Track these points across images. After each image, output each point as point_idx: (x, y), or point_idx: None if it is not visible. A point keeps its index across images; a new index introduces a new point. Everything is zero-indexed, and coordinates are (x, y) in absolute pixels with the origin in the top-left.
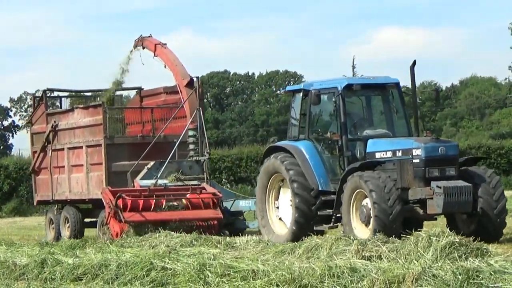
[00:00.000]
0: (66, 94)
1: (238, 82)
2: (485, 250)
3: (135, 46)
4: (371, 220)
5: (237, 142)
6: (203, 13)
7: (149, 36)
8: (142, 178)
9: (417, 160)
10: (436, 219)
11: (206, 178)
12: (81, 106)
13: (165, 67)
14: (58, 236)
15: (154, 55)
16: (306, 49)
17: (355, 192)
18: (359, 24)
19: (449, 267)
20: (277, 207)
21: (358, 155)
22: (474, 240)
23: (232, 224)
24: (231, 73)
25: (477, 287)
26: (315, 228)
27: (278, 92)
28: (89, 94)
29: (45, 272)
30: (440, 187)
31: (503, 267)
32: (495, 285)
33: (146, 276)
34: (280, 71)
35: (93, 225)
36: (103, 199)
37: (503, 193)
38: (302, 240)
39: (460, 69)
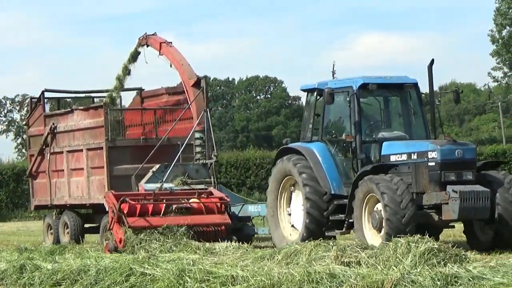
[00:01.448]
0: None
1: (218, 88)
2: (463, 256)
3: (139, 45)
4: (383, 224)
5: (217, 147)
6: (184, 18)
7: (153, 34)
8: (147, 182)
9: (433, 164)
10: (454, 226)
11: (213, 182)
12: (81, 107)
13: (170, 66)
14: (57, 242)
15: (159, 54)
16: (287, 54)
17: (367, 197)
18: (339, 30)
19: (427, 273)
20: (289, 211)
21: (373, 158)
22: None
23: (241, 230)
24: (211, 79)
25: None
26: (326, 234)
27: (258, 97)
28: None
29: (24, 278)
30: (456, 192)
31: (481, 273)
32: None
33: (125, 282)
34: (260, 76)
35: (93, 230)
36: (106, 204)
37: None
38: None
39: (440, 75)
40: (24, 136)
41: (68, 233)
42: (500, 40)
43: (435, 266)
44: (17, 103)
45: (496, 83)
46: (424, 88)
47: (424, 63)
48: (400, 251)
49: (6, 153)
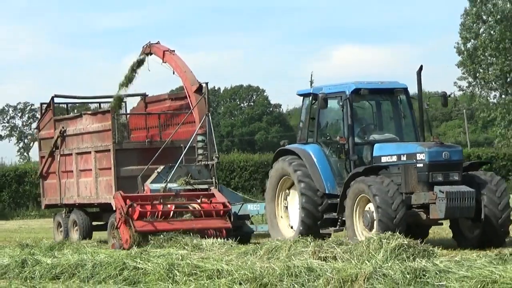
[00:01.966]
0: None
1: None
2: (431, 251)
3: (143, 53)
4: (375, 224)
5: None
6: (172, 33)
7: (157, 43)
8: (152, 182)
9: (421, 165)
10: (442, 224)
11: (214, 182)
12: (89, 112)
13: (173, 73)
14: (66, 239)
15: (163, 62)
16: (268, 65)
17: (359, 197)
18: (317, 43)
19: (398, 267)
20: (286, 210)
21: (365, 159)
22: (480, 246)
23: (240, 228)
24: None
25: (423, 285)
26: (321, 231)
27: (242, 105)
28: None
29: (25, 272)
30: (443, 192)
31: (447, 267)
32: (440, 283)
33: (119, 275)
34: (244, 85)
35: (100, 228)
36: (114, 204)
37: (506, 191)
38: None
39: (409, 84)
40: (26, 141)
41: (77, 230)
42: (465, 52)
43: (405, 260)
44: (19, 110)
45: (461, 92)
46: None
47: (397, 73)
48: (373, 247)
49: (9, 157)
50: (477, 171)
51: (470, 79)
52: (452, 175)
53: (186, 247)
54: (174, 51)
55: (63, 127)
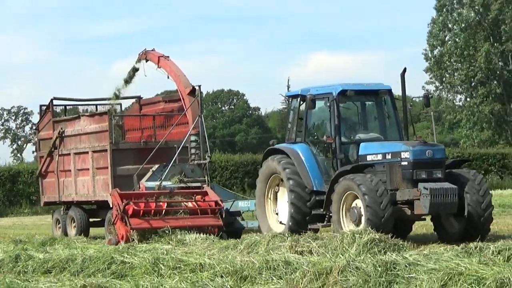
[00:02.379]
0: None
1: None
2: (401, 245)
3: (139, 60)
4: (363, 221)
5: None
6: (159, 40)
7: (152, 50)
8: (147, 180)
9: (406, 163)
10: (424, 219)
11: (207, 180)
12: (87, 114)
13: (168, 77)
14: (64, 235)
15: (158, 67)
16: (248, 71)
17: (346, 193)
18: (294, 50)
19: (370, 260)
20: (276, 207)
21: (351, 158)
22: (461, 241)
23: (231, 224)
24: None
25: (394, 277)
26: (309, 227)
27: (223, 108)
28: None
29: (18, 266)
30: (427, 189)
31: (416, 260)
32: (409, 275)
33: (108, 269)
34: (225, 90)
35: (97, 224)
36: (111, 201)
37: (488, 190)
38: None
39: None
40: (19, 143)
41: (75, 227)
42: (432, 58)
43: (377, 254)
44: (13, 114)
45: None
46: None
47: (369, 78)
48: (346, 241)
49: (3, 157)
50: (458, 168)
51: (437, 84)
52: (435, 172)
53: (170, 242)
54: (168, 56)
55: (61, 128)
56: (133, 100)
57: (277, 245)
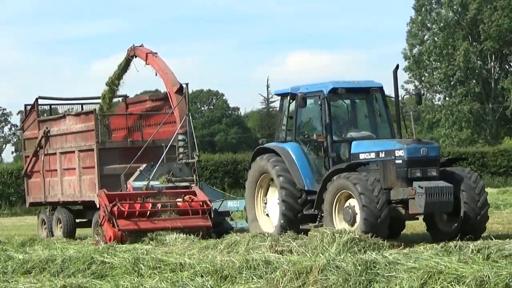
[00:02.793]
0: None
1: None
2: (381, 244)
3: (128, 56)
4: (358, 220)
5: None
6: (137, 40)
7: (140, 46)
8: (135, 180)
9: (400, 161)
10: (417, 218)
11: (195, 180)
12: (73, 113)
13: (156, 74)
14: (50, 236)
15: (146, 63)
16: (227, 71)
17: (339, 192)
18: (272, 49)
19: (350, 259)
20: (266, 207)
21: (343, 157)
22: (458, 239)
23: (220, 224)
24: (161, 92)
25: (374, 276)
26: (301, 227)
27: (202, 108)
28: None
29: None
30: (422, 188)
31: (396, 259)
32: (389, 274)
33: (88, 269)
34: (204, 90)
35: (84, 225)
36: (98, 202)
37: (484, 188)
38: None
39: None
40: None
41: (61, 227)
42: (411, 58)
43: (357, 253)
44: None
45: (408, 95)
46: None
47: (349, 77)
48: (326, 241)
49: None
50: (451, 166)
51: (416, 83)
52: (430, 170)
53: (150, 242)
54: (156, 53)
55: (47, 128)
56: (119, 99)
57: (257, 244)
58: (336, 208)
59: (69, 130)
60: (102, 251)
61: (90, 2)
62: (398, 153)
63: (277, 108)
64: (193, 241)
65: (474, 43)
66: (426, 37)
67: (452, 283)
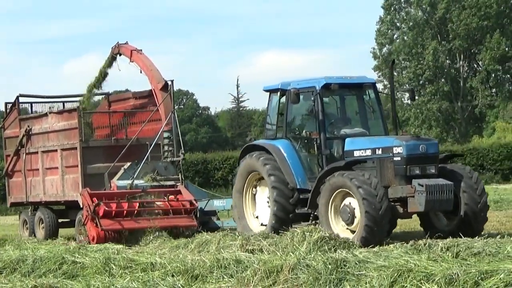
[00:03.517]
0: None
1: None
2: (351, 243)
3: (112, 54)
4: (356, 218)
5: None
6: (109, 40)
7: (125, 43)
8: (119, 179)
9: (398, 158)
10: (411, 217)
11: (181, 178)
12: (55, 111)
13: (141, 72)
14: (32, 236)
15: (130, 61)
16: (197, 71)
17: (335, 192)
18: (242, 49)
19: (320, 258)
20: (254, 205)
21: (336, 154)
22: (454, 237)
23: (206, 224)
24: (132, 92)
25: (344, 274)
26: (293, 226)
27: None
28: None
29: None
30: (422, 185)
31: (366, 257)
32: (360, 273)
33: (59, 269)
34: (174, 89)
35: (66, 225)
36: (81, 202)
37: (484, 189)
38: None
39: None
40: None
41: (43, 228)
42: (380, 57)
43: (327, 252)
44: None
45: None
46: None
47: (317, 75)
48: (297, 240)
49: None
50: (449, 163)
51: (386, 82)
52: (429, 168)
53: (121, 241)
54: (141, 50)
55: (28, 126)
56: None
57: (228, 243)
58: (332, 208)
59: (52, 128)
60: (73, 251)
61: (60, 2)
62: (397, 150)
63: (248, 107)
64: (164, 240)
65: (443, 42)
66: (395, 36)
67: (422, 281)
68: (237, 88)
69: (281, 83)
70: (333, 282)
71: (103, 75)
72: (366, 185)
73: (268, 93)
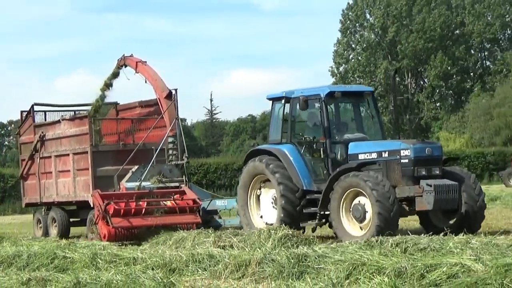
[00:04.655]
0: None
1: None
2: (311, 240)
3: (118, 65)
4: (368, 216)
5: None
6: (94, 58)
7: (130, 56)
8: (127, 181)
9: (406, 160)
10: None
11: (185, 180)
12: (68, 118)
13: (145, 82)
14: (45, 235)
15: (136, 72)
16: (175, 86)
17: (348, 191)
18: (215, 67)
19: (284, 253)
20: (259, 207)
21: (340, 157)
22: (454, 233)
23: (208, 222)
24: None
25: (305, 268)
26: (301, 225)
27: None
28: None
29: None
30: (430, 185)
31: (325, 252)
32: (319, 266)
33: (51, 264)
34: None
35: (77, 224)
36: (92, 202)
37: (481, 189)
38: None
39: None
40: None
41: (56, 226)
42: (338, 75)
43: (290, 248)
44: None
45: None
46: None
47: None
48: (263, 237)
49: None
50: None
51: None
52: (434, 169)
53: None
54: (146, 62)
55: (42, 132)
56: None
57: (202, 240)
58: (343, 206)
59: (64, 134)
60: (63, 247)
61: (49, 25)
62: (404, 152)
63: (220, 119)
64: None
65: (393, 62)
66: (351, 56)
67: (374, 273)
68: (211, 102)
69: (285, 92)
70: (295, 275)
71: (108, 86)
72: (379, 187)
73: (271, 102)
